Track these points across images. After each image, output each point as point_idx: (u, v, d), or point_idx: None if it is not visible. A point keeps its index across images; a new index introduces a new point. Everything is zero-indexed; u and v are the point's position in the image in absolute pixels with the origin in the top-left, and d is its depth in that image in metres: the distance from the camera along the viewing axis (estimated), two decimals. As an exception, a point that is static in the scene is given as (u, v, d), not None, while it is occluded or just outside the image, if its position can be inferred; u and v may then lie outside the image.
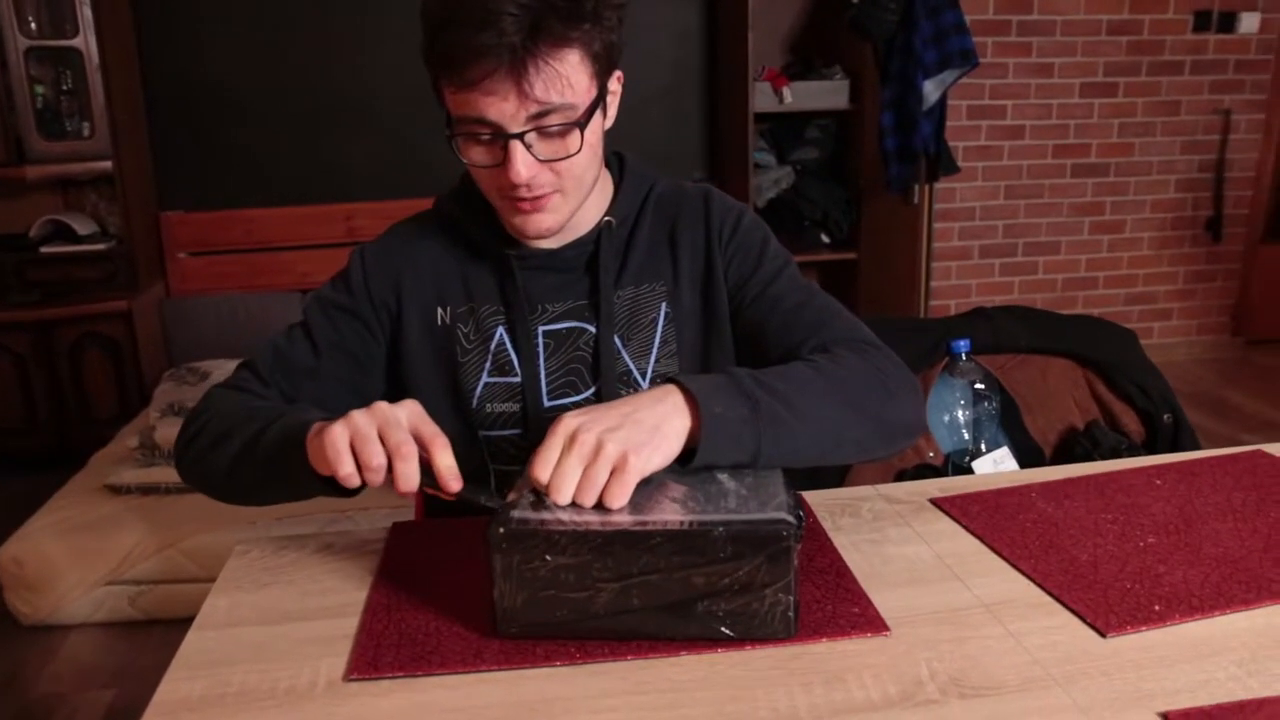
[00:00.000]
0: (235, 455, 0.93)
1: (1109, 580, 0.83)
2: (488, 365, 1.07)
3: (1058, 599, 0.81)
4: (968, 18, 3.26)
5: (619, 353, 1.07)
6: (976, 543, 0.92)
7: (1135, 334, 1.60)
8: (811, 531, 0.93)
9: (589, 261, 1.07)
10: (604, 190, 1.08)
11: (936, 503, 1.00)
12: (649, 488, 0.79)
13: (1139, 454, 1.37)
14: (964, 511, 0.98)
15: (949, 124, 3.51)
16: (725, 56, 3.69)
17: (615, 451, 0.77)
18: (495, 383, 1.07)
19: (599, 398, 1.06)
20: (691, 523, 0.73)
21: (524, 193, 0.95)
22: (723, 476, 0.82)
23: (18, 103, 3.25)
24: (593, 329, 1.07)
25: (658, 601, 0.74)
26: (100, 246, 3.37)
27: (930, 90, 3.28)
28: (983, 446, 1.36)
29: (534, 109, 0.90)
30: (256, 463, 0.92)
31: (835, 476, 1.35)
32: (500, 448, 1.08)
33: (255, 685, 0.73)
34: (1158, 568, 0.85)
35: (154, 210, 3.53)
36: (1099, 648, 0.74)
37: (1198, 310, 4.36)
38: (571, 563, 0.73)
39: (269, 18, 3.48)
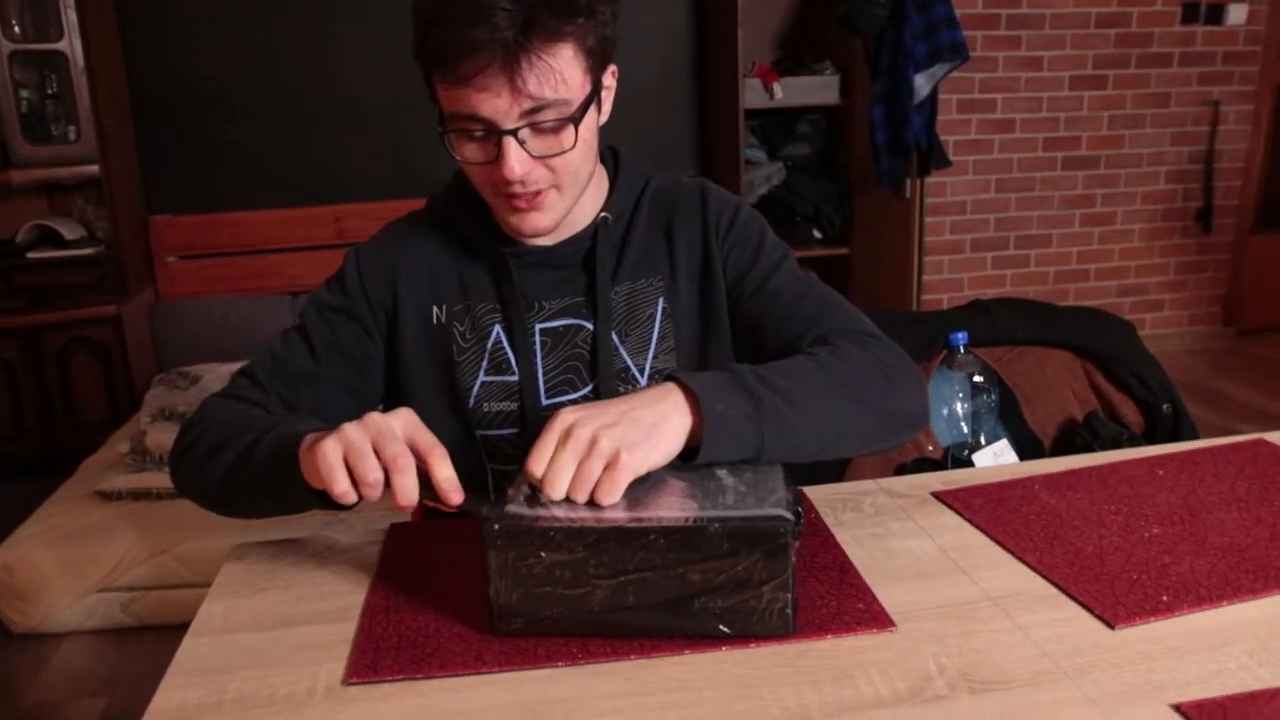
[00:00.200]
0: (229, 467, 0.91)
1: (1115, 571, 0.82)
2: (484, 364, 1.05)
3: (1064, 591, 0.80)
4: (957, 11, 3.26)
5: (617, 349, 1.06)
6: (980, 536, 0.91)
7: (1133, 325, 1.60)
8: (814, 527, 0.92)
9: (585, 258, 1.06)
10: (599, 186, 1.07)
11: (939, 496, 0.99)
12: (646, 484, 0.79)
13: (1139, 445, 1.36)
14: (967, 505, 0.97)
15: (939, 118, 3.51)
16: (715, 53, 3.68)
17: (609, 448, 0.76)
18: (492, 381, 1.05)
19: (597, 395, 1.05)
20: (687, 519, 0.72)
21: (518, 189, 0.94)
22: (721, 472, 0.81)
23: (2, 107, 3.21)
24: (590, 326, 1.06)
25: (654, 598, 0.73)
26: (88, 251, 3.34)
27: (921, 84, 3.28)
28: (982, 439, 1.36)
29: (528, 104, 0.89)
30: (250, 476, 0.89)
31: (834, 471, 1.35)
32: (498, 447, 1.07)
33: (253, 692, 0.72)
34: (1164, 558, 0.84)
35: (142, 214, 3.50)
36: (1108, 640, 0.73)
37: (1189, 301, 4.37)
38: (566, 559, 0.73)
39: (256, 19, 3.45)
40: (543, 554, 0.73)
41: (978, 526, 0.92)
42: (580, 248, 1.06)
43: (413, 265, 1.07)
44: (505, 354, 1.05)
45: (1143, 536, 0.88)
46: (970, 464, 1.35)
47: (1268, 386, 3.84)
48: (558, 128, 0.91)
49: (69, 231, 3.37)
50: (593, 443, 0.76)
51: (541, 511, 0.75)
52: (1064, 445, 1.50)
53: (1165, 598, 0.78)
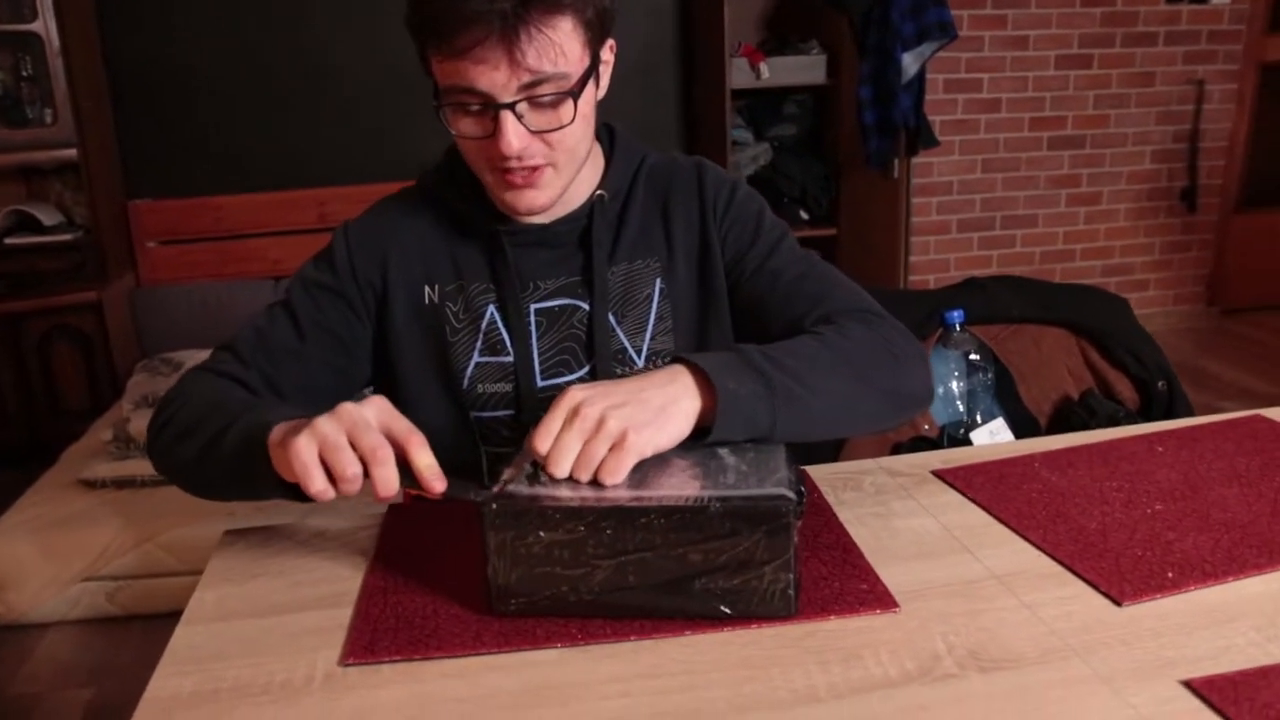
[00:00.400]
0: (199, 450, 0.88)
1: (1120, 548, 0.82)
2: (479, 345, 1.03)
3: (1070, 568, 0.79)
4: (944, -10, 3.25)
5: (613, 330, 1.04)
6: (983, 514, 0.90)
7: (1128, 302, 1.60)
8: (816, 507, 0.92)
9: (581, 237, 1.04)
10: (595, 163, 1.05)
11: (939, 474, 0.98)
12: (647, 463, 0.77)
13: (1136, 422, 1.36)
14: (968, 483, 0.96)
15: (926, 97, 3.50)
16: (701, 33, 3.65)
17: (616, 428, 0.75)
18: (487, 362, 1.03)
19: (593, 376, 1.03)
20: (688, 498, 0.71)
21: (515, 164, 0.92)
22: (724, 452, 0.80)
23: (-24, 90, 3.15)
24: (586, 306, 1.04)
25: (654, 579, 0.72)
26: (67, 237, 3.29)
27: (909, 63, 3.27)
28: (978, 418, 1.35)
29: (526, 78, 0.87)
30: (219, 465, 0.86)
31: (830, 451, 1.34)
32: (492, 429, 1.05)
33: (249, 680, 0.70)
34: (1167, 534, 0.84)
35: (121, 199, 3.45)
36: (1115, 616, 0.73)
37: (1174, 280, 4.38)
38: (565, 539, 0.72)
39: (234, -1, 3.40)
40: (541, 533, 0.72)
41: (979, 505, 0.92)
42: (576, 226, 1.04)
43: (404, 244, 1.05)
44: (500, 334, 1.03)
45: (1145, 513, 0.88)
46: (967, 442, 1.34)
47: (1252, 365, 3.87)
48: (556, 102, 0.90)
49: (47, 217, 3.32)
50: (600, 422, 0.75)
51: (541, 490, 0.74)
52: (1060, 423, 1.50)
53: (1171, 574, 0.77)
